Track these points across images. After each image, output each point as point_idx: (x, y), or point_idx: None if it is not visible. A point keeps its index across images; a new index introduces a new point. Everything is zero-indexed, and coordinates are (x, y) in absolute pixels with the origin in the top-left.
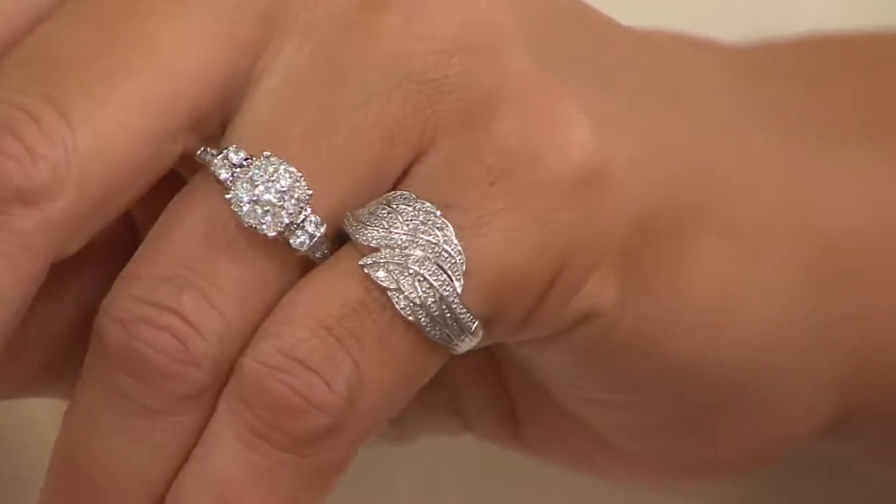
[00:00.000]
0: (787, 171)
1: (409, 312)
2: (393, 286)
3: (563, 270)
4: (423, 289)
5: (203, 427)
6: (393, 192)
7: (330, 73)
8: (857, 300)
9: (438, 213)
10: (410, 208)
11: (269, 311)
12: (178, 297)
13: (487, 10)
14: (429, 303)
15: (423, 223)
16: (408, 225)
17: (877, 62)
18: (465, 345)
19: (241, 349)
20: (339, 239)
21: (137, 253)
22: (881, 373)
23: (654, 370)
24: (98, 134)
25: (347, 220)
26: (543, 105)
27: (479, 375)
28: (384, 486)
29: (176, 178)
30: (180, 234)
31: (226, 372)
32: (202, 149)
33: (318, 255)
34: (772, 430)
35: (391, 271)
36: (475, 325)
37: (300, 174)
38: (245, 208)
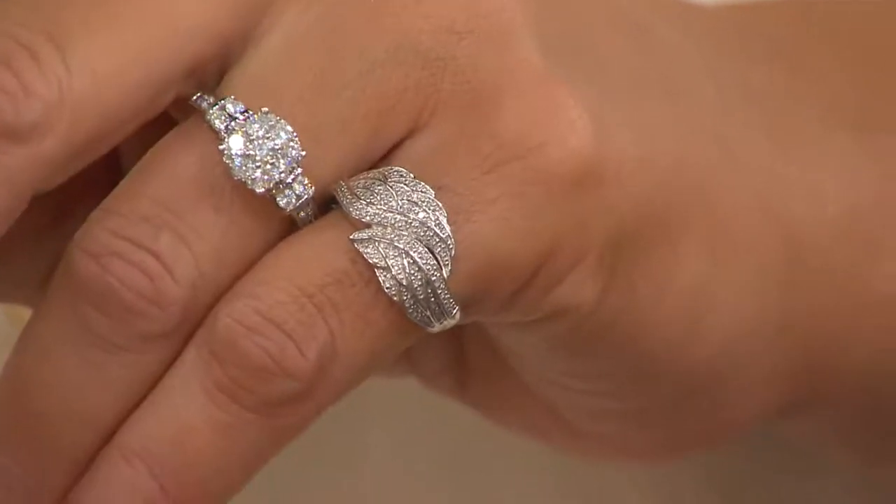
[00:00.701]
0: (769, 168)
1: (394, 292)
2: (381, 264)
3: (548, 262)
4: (412, 271)
5: (164, 368)
6: (389, 168)
7: (334, 38)
8: (826, 293)
9: (433, 195)
10: (406, 187)
11: (246, 266)
12: (155, 237)
13: None
14: (415, 285)
15: (417, 204)
16: (402, 204)
17: (867, 31)
18: (442, 326)
19: (215, 299)
20: (324, 203)
21: (118, 188)
22: (842, 361)
23: (629, 361)
24: (95, 77)
25: (340, 189)
26: (547, 101)
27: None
28: (356, 445)
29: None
30: (166, 175)
31: (196, 318)
32: (198, 95)
33: (302, 215)
34: (735, 415)
35: (381, 249)
36: (456, 310)
37: (295, 133)
38: (237, 161)
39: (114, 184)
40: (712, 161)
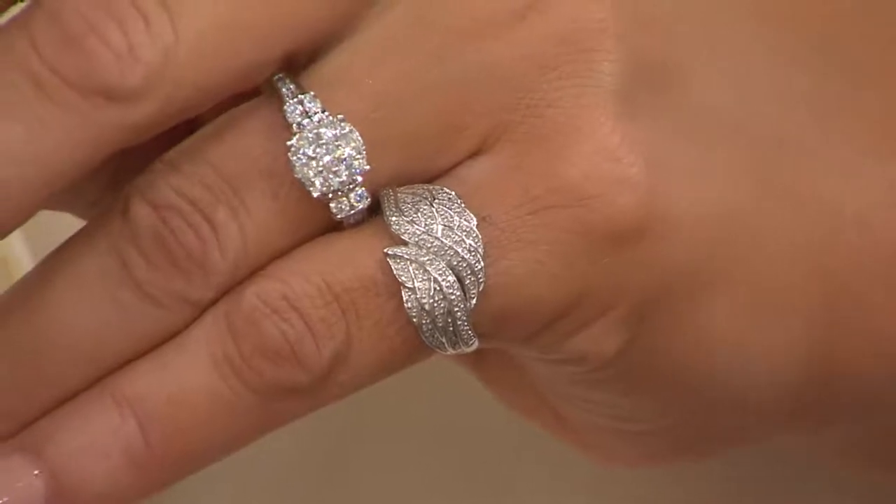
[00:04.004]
0: (820, 208)
1: (414, 314)
2: (409, 284)
3: (573, 310)
4: (437, 298)
5: (179, 330)
6: (439, 188)
7: (423, 45)
8: (851, 335)
9: (476, 224)
10: (451, 212)
11: (283, 253)
12: (213, 206)
13: (594, 30)
14: (436, 312)
15: (456, 231)
16: (444, 230)
17: None
18: (456, 352)
19: (247, 278)
20: (372, 204)
21: (185, 146)
22: (855, 393)
23: (645, 400)
24: (199, 49)
25: (387, 197)
26: (608, 154)
27: None
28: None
29: None
30: (233, 149)
31: (224, 293)
32: (280, 76)
33: (351, 221)
34: (739, 440)
35: (411, 269)
36: (474, 341)
37: (363, 145)
38: (301, 160)
39: (178, 131)
40: (768, 209)
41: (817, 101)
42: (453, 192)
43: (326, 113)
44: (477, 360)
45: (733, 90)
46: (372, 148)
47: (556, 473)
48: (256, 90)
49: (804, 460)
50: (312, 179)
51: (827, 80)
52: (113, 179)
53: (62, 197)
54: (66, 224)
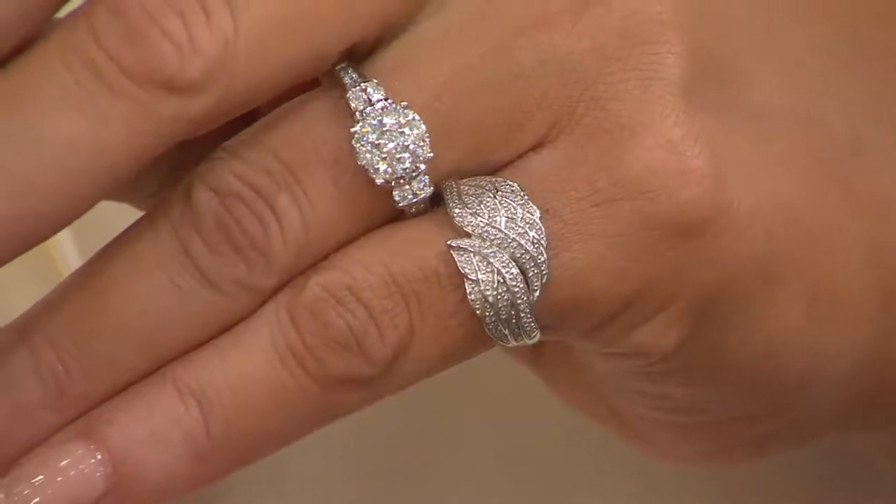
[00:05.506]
0: (886, 211)
1: (478, 306)
2: (472, 276)
3: (635, 303)
4: (500, 290)
5: (238, 319)
6: (502, 180)
7: (487, 37)
8: None
9: (539, 216)
10: (514, 204)
11: (344, 242)
12: (275, 194)
13: (656, 23)
14: (500, 304)
15: (520, 223)
16: (508, 222)
17: None
18: (518, 344)
19: (308, 267)
20: (435, 195)
21: (246, 134)
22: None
23: (703, 393)
24: (259, 43)
25: (450, 189)
26: (672, 147)
27: None
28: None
29: None
30: (294, 137)
31: (286, 282)
32: (342, 66)
33: (413, 210)
34: (780, 438)
35: (475, 261)
36: (536, 333)
37: (427, 133)
38: (364, 148)
39: (239, 123)
40: (829, 206)
41: (870, 103)
42: (516, 185)
43: (390, 100)
44: (535, 355)
45: (789, 88)
46: (435, 137)
47: (606, 468)
48: (315, 81)
49: (862, 462)
50: (377, 166)
51: (879, 84)
52: (172, 170)
53: (121, 188)
54: (111, 218)
